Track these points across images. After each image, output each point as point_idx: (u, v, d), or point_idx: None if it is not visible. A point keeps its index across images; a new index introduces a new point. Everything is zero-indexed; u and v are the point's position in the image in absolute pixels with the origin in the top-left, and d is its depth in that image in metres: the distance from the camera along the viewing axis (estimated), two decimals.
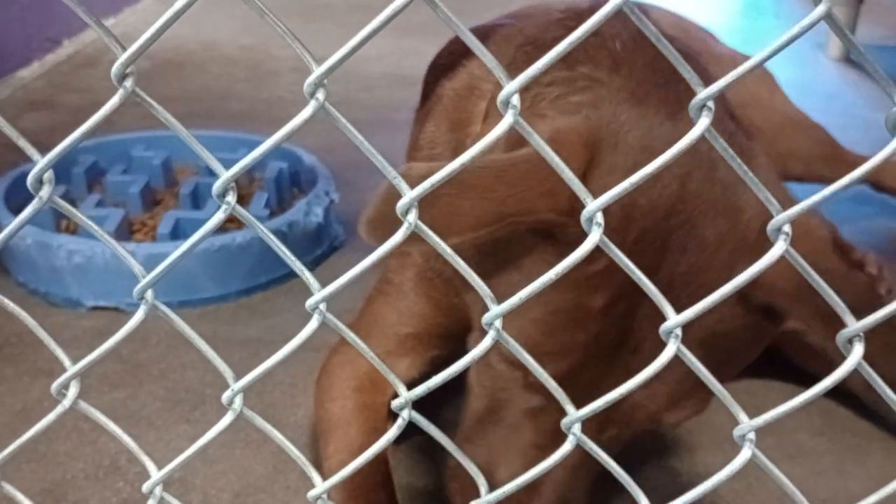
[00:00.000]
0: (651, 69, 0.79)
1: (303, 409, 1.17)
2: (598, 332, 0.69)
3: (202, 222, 1.64)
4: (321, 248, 1.58)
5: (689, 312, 0.50)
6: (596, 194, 0.50)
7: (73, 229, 1.50)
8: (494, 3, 1.45)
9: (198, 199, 1.59)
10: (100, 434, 1.12)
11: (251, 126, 2.03)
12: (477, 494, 0.61)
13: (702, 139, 0.46)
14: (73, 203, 1.54)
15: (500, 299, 0.58)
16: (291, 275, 1.49)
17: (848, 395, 1.19)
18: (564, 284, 0.51)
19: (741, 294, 0.60)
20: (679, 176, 0.69)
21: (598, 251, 0.61)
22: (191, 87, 2.48)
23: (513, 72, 0.47)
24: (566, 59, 0.82)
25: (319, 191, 1.59)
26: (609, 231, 0.63)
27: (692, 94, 0.46)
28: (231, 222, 1.50)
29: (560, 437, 0.70)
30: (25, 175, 1.73)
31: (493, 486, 0.70)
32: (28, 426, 0.64)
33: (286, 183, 1.68)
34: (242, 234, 1.43)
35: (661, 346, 0.55)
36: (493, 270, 0.71)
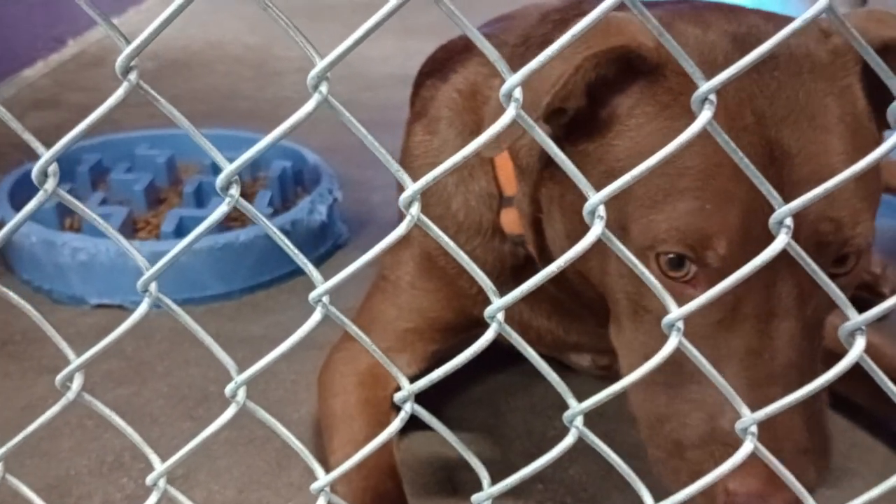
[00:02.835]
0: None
1: (306, 406, 1.17)
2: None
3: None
4: (324, 246, 1.58)
5: None
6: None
7: (77, 227, 1.51)
8: (497, 4, 1.45)
9: (202, 197, 1.59)
10: (103, 431, 1.12)
11: (256, 125, 2.03)
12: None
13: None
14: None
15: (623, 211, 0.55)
16: (294, 273, 1.49)
17: (848, 402, 1.19)
18: (681, 123, 0.49)
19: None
20: (723, 18, 0.74)
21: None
22: (196, 86, 2.48)
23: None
24: (543, 48, 0.84)
25: (323, 189, 1.59)
26: (696, 56, 0.68)
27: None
28: (234, 221, 1.51)
29: (770, 325, 0.68)
30: (29, 174, 1.74)
31: (726, 439, 0.68)
32: (33, 422, 0.64)
33: (289, 182, 1.69)
34: (246, 232, 1.43)
35: (812, 143, 0.61)
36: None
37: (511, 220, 0.95)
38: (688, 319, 0.52)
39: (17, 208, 1.49)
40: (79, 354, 0.59)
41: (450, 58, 1.09)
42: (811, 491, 0.61)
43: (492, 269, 0.97)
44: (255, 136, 1.75)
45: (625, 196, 0.46)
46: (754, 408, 0.63)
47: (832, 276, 0.71)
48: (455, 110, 1.02)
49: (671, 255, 0.69)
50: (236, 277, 1.43)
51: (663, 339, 0.71)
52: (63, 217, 1.52)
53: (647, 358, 0.73)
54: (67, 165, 1.62)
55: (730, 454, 0.62)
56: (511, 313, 0.77)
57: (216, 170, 1.67)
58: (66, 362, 0.57)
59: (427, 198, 0.96)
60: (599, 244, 0.53)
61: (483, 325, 1.06)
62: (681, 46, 0.45)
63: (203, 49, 2.81)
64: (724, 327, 0.69)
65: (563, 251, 0.82)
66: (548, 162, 0.82)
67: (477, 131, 0.99)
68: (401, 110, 1.34)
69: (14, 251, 1.45)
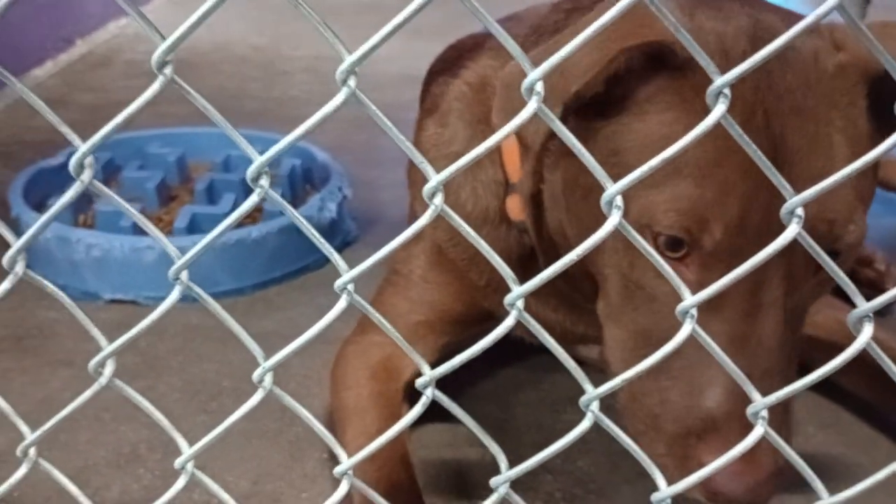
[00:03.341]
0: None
1: (318, 400, 1.19)
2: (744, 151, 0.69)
3: (218, 217, 1.66)
4: (334, 243, 1.60)
5: None
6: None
7: (91, 224, 1.53)
8: (499, 5, 1.47)
9: (213, 194, 1.61)
10: (120, 423, 1.14)
11: (264, 125, 2.05)
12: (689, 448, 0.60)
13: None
14: (90, 199, 1.57)
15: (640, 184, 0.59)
16: (305, 269, 1.51)
17: (852, 395, 1.20)
18: (696, 120, 0.52)
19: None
20: (744, 15, 0.75)
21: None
22: (203, 86, 2.50)
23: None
24: (574, 17, 0.85)
25: (333, 187, 1.61)
26: (714, 52, 0.71)
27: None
28: (247, 217, 1.53)
29: (757, 315, 0.70)
30: (42, 172, 1.75)
31: (706, 416, 0.70)
32: (50, 415, 0.66)
33: (299, 179, 1.71)
34: (258, 228, 1.45)
35: (814, 144, 0.64)
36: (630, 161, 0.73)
37: (516, 206, 0.96)
38: (676, 300, 0.54)
39: (32, 205, 1.51)
40: (94, 350, 0.61)
41: (459, 56, 1.11)
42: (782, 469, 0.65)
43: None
44: (263, 135, 1.77)
45: (626, 173, 0.49)
46: (735, 392, 0.67)
47: (821, 269, 0.74)
48: (465, 102, 1.04)
49: (668, 235, 0.71)
50: (248, 274, 1.45)
51: (654, 315, 0.75)
52: (77, 213, 1.54)
53: (636, 333, 0.77)
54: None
55: (708, 432, 0.64)
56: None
57: (227, 168, 1.69)
58: (82, 356, 0.59)
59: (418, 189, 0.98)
60: (593, 221, 0.55)
61: (493, 318, 1.09)
62: (700, 41, 0.47)
63: (210, 49, 2.83)
64: (713, 312, 0.70)
65: (562, 225, 0.84)
66: (551, 135, 0.81)
67: (486, 121, 1.01)
68: (408, 110, 1.35)
69: (28, 247, 1.47)
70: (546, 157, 0.86)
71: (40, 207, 1.54)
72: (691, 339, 0.53)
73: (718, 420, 0.70)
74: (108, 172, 1.69)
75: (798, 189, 0.49)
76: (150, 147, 1.74)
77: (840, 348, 0.55)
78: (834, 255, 0.73)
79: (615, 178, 0.51)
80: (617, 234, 0.69)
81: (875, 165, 0.79)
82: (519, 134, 0.91)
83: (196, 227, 1.48)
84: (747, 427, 0.57)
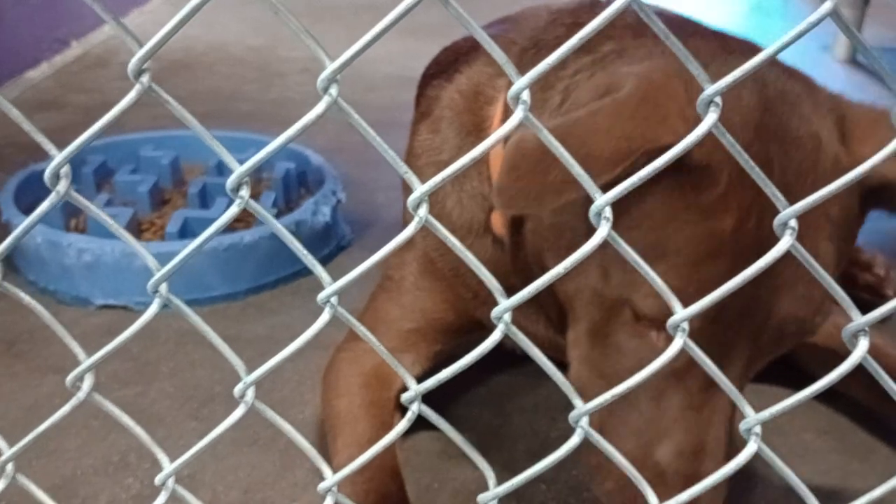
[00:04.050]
0: (675, 26, 0.81)
1: (310, 407, 1.18)
2: (736, 254, 0.69)
3: (210, 221, 1.64)
4: (328, 247, 1.58)
5: (802, 203, 0.50)
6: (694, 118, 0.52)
7: (83, 228, 1.52)
8: (499, 5, 1.46)
9: (206, 198, 1.60)
10: (109, 431, 1.12)
11: (259, 126, 2.04)
12: (635, 491, 0.61)
13: (767, 70, 0.46)
14: None
15: (623, 262, 0.58)
16: (299, 273, 1.50)
17: (850, 401, 1.19)
18: (693, 216, 0.51)
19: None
20: (755, 94, 0.72)
21: (717, 172, 0.66)
22: (199, 87, 2.49)
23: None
24: (584, 47, 0.84)
25: (327, 190, 1.60)
26: (723, 149, 0.67)
27: (727, 37, 0.47)
28: (239, 221, 1.52)
29: (715, 388, 0.71)
30: (35, 175, 1.74)
31: (656, 468, 0.72)
32: (39, 421, 0.65)
33: (293, 183, 1.69)
34: (251, 233, 1.44)
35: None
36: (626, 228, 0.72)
37: (499, 220, 0.95)
38: (646, 361, 0.56)
39: (23, 209, 1.49)
40: (85, 355, 0.60)
41: (455, 59, 1.09)
42: None
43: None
44: (259, 138, 1.76)
45: (611, 248, 0.50)
46: (685, 450, 0.71)
47: (784, 341, 0.75)
48: (455, 110, 1.03)
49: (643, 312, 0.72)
50: (241, 278, 1.44)
51: (617, 365, 0.75)
52: (68, 218, 1.53)
53: (600, 375, 0.78)
54: (72, 167, 1.62)
55: (655, 485, 0.65)
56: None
57: (220, 171, 1.68)
58: (73, 362, 0.58)
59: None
60: (587, 263, 0.55)
61: (485, 329, 1.07)
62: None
63: (206, 50, 2.82)
64: (674, 380, 0.72)
65: (542, 257, 0.83)
66: None
67: (474, 132, 1.00)
68: (404, 111, 1.34)
69: (19, 252, 1.46)
70: None
71: (31, 211, 1.52)
72: (649, 394, 0.54)
73: (667, 474, 0.72)
74: (101, 176, 1.68)
75: (779, 301, 0.50)
76: (143, 150, 1.73)
77: (838, 355, 0.54)
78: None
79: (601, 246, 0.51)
80: (596, 291, 0.71)
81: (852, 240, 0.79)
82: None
83: (188, 231, 1.47)
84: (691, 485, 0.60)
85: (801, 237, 0.69)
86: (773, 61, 0.77)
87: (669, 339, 0.70)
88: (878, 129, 0.75)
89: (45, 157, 1.76)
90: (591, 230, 0.72)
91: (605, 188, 0.69)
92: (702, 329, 0.68)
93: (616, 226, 0.51)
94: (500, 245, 0.97)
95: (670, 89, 0.69)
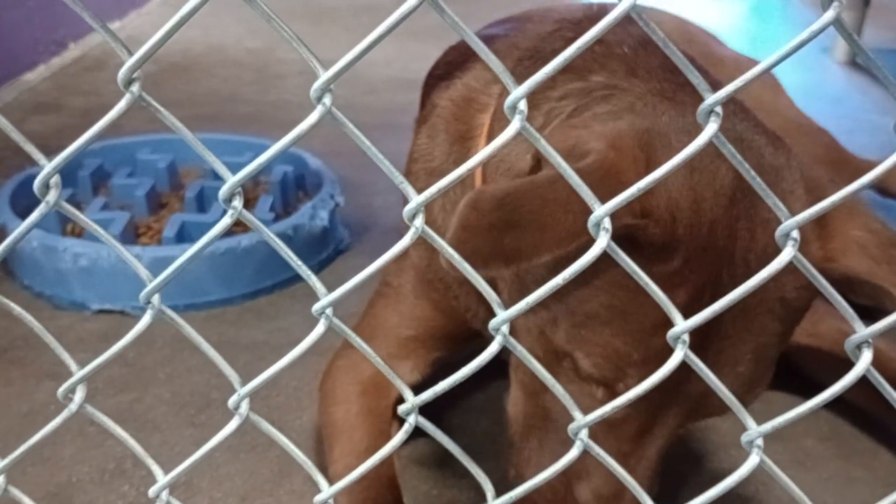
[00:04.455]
0: (667, 69, 0.80)
1: (308, 413, 1.17)
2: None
3: (208, 226, 1.64)
4: (326, 251, 1.58)
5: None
6: (659, 192, 0.53)
7: (79, 232, 1.51)
8: (499, 8, 1.45)
9: (203, 202, 1.59)
10: (105, 438, 1.12)
11: (257, 129, 2.03)
12: None
13: (745, 132, 0.46)
14: (78, 206, 1.54)
15: (573, 315, 0.56)
16: (297, 278, 1.49)
17: (851, 406, 1.19)
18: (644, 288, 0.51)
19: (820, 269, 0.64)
20: (733, 169, 0.70)
21: (674, 248, 0.66)
22: (197, 90, 2.48)
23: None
24: (576, 71, 0.82)
25: (325, 194, 1.59)
26: (684, 226, 0.67)
27: (715, 88, 0.47)
28: (236, 226, 1.50)
29: (644, 439, 0.74)
30: (31, 178, 1.73)
31: (571, 498, 0.74)
32: (34, 429, 0.64)
33: (291, 186, 1.68)
34: (248, 237, 1.43)
35: (747, 332, 0.62)
36: (570, 288, 0.69)
37: None
38: (583, 405, 0.58)
39: (19, 213, 1.49)
40: (80, 361, 0.59)
41: (459, 60, 1.08)
42: None
43: (463, 277, 0.97)
44: (256, 141, 1.75)
45: (567, 299, 0.49)
46: (603, 497, 0.74)
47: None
48: (446, 118, 1.02)
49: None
50: (238, 283, 1.43)
51: (556, 405, 0.75)
52: (64, 222, 1.52)
53: (535, 406, 0.78)
54: (69, 170, 1.61)
55: None
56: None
57: (217, 175, 1.66)
58: (68, 369, 0.57)
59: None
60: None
61: (482, 339, 1.07)
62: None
63: (204, 53, 2.81)
64: (608, 427, 0.73)
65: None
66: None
67: (461, 140, 0.99)
68: (402, 113, 1.33)
69: (15, 256, 1.45)
70: None
71: (27, 215, 1.52)
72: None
73: None
74: (98, 179, 1.67)
75: (717, 375, 0.50)
76: (139, 153, 1.72)
77: (842, 360, 0.54)
78: None
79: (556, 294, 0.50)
80: (544, 333, 0.72)
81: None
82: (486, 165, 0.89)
83: (186, 235, 1.46)
84: None
85: (750, 312, 0.69)
86: (759, 127, 0.76)
87: (607, 392, 0.72)
88: (852, 222, 0.73)
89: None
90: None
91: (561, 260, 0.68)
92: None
93: (575, 281, 0.49)
94: None
95: (636, 162, 0.67)
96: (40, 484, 1.04)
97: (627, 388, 0.68)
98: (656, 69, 0.80)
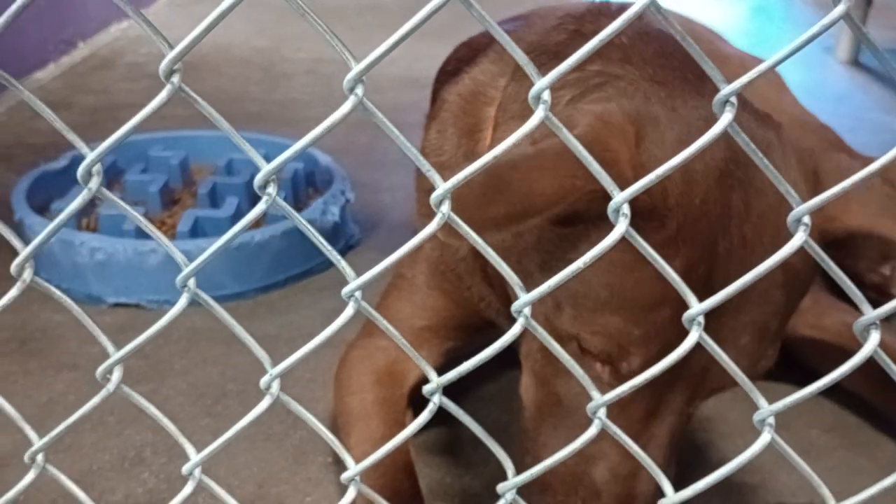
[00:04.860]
0: (662, 56, 0.82)
1: (322, 404, 1.19)
2: (681, 301, 0.69)
3: (221, 220, 1.65)
4: (337, 246, 1.60)
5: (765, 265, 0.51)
6: (648, 166, 0.56)
7: (94, 227, 1.53)
8: (503, 5, 1.47)
9: (215, 197, 1.61)
10: (124, 427, 1.14)
11: (265, 127, 2.05)
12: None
13: (739, 114, 0.48)
14: (93, 203, 1.57)
15: (575, 298, 0.58)
16: (308, 273, 1.51)
17: (856, 397, 1.21)
18: (640, 259, 0.53)
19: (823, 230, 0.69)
20: (723, 141, 0.73)
21: (664, 216, 0.67)
22: (205, 88, 2.50)
23: (522, 78, 0.49)
24: (555, 60, 0.85)
25: (335, 190, 1.61)
26: (676, 197, 0.68)
27: (706, 77, 0.49)
28: None
29: (653, 418, 0.75)
30: (46, 175, 1.75)
31: (592, 486, 0.75)
32: (54, 418, 0.67)
33: (302, 183, 1.71)
34: (261, 232, 1.45)
35: (746, 303, 0.62)
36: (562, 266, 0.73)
37: None
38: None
39: (35, 209, 1.51)
40: (98, 353, 0.61)
41: (469, 56, 1.10)
42: None
43: (474, 266, 1.00)
44: (266, 138, 1.77)
45: (569, 282, 0.51)
46: (620, 470, 0.75)
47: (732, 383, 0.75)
48: (454, 112, 1.04)
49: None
50: (251, 277, 1.45)
51: (565, 386, 0.77)
52: (80, 217, 1.54)
53: (548, 393, 0.80)
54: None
55: (589, 500, 0.68)
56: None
57: (230, 171, 1.69)
58: (86, 359, 0.59)
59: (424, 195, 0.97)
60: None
61: (496, 328, 1.08)
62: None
63: (211, 52, 2.83)
64: (618, 408, 0.73)
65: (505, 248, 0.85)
66: None
67: (469, 133, 1.01)
68: (409, 112, 1.35)
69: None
70: None
71: (43, 211, 1.55)
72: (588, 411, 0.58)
73: (601, 492, 0.76)
74: (111, 176, 1.69)
75: (718, 340, 0.52)
76: (152, 150, 1.74)
77: (846, 352, 0.55)
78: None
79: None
80: (548, 319, 0.73)
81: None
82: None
83: (199, 230, 1.48)
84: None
85: (751, 282, 0.70)
86: (747, 106, 0.77)
87: (614, 373, 0.74)
88: (850, 191, 0.75)
89: (56, 157, 1.78)
90: (540, 239, 0.74)
91: (558, 221, 0.70)
92: (645, 364, 0.68)
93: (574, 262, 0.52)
94: None
95: (624, 135, 0.69)
96: (62, 471, 1.05)
97: (630, 367, 0.71)
98: (651, 57, 0.82)
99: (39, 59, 2.57)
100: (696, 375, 0.73)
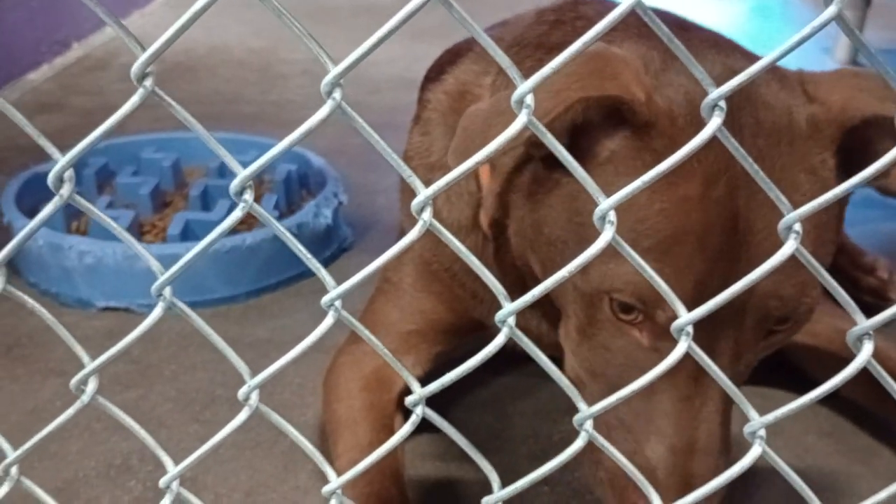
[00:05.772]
0: (672, 26, 0.81)
1: (312, 410, 1.18)
2: (706, 224, 0.69)
3: (212, 224, 1.64)
4: (330, 249, 1.58)
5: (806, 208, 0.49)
6: (658, 90, 0.59)
7: (84, 230, 1.51)
8: (501, 7, 1.46)
9: (207, 200, 1.59)
10: (111, 434, 1.12)
11: (261, 128, 2.04)
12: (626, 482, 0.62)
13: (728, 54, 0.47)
14: None
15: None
16: (300, 276, 1.50)
17: (851, 403, 1.19)
18: (655, 192, 0.52)
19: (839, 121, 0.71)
20: (721, 64, 0.75)
21: (680, 140, 0.66)
22: (200, 90, 2.49)
23: (503, 77, 0.48)
24: (557, 47, 0.85)
25: (328, 192, 1.60)
26: (684, 118, 0.69)
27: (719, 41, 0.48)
28: (241, 224, 1.51)
29: (703, 378, 0.72)
30: (36, 177, 1.74)
31: (647, 465, 0.72)
32: (40, 425, 0.65)
33: (295, 185, 1.69)
34: (252, 235, 1.44)
35: (772, 224, 0.61)
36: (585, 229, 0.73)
37: (486, 218, 0.95)
38: (632, 357, 0.57)
39: (25, 211, 1.49)
40: (89, 358, 0.60)
41: (453, 61, 1.09)
42: None
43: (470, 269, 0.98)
44: (260, 140, 1.76)
45: (589, 239, 0.50)
46: (677, 449, 0.72)
47: (772, 333, 0.75)
48: (442, 112, 1.03)
49: (622, 301, 0.72)
50: (242, 281, 1.44)
51: (606, 361, 0.76)
52: (70, 220, 1.53)
53: (590, 370, 0.79)
54: (74, 169, 1.62)
55: (649, 480, 0.65)
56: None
57: (222, 173, 1.68)
58: (74, 365, 0.58)
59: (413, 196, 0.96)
60: (558, 264, 0.57)
61: (485, 328, 1.07)
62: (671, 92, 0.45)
63: (207, 53, 2.82)
64: (664, 375, 0.71)
65: (527, 256, 0.84)
66: (519, 167, 0.82)
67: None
68: (406, 113, 1.34)
69: (20, 254, 1.46)
70: (512, 190, 0.84)
71: (33, 213, 1.53)
72: (642, 396, 0.55)
73: (658, 472, 0.73)
74: (102, 178, 1.67)
75: (754, 266, 0.50)
76: (144, 152, 1.73)
77: (839, 359, 0.54)
78: (783, 321, 0.74)
79: (579, 242, 0.50)
80: (576, 287, 0.72)
81: (837, 224, 0.79)
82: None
83: (190, 233, 1.47)
84: (684, 484, 0.64)
85: (770, 212, 0.68)
86: (732, 46, 0.79)
87: (652, 330, 0.72)
88: (841, 81, 0.75)
89: (47, 159, 1.76)
90: (570, 220, 0.73)
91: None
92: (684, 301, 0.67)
93: (584, 224, 0.50)
94: (489, 242, 0.97)
95: (627, 59, 0.71)
96: (47, 479, 1.05)
97: (667, 313, 0.69)
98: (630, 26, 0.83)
99: (33, 60, 2.56)
100: (737, 320, 0.71)
